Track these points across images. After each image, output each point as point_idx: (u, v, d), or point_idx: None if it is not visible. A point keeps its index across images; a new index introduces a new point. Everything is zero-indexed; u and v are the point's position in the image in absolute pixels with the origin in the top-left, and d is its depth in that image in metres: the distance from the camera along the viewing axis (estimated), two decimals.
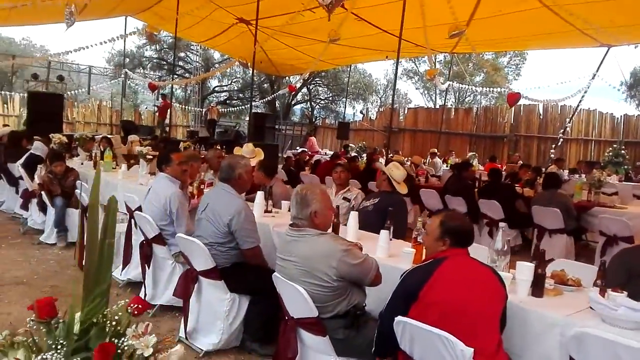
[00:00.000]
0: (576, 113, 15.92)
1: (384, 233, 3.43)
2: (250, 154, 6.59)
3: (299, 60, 18.38)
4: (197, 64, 30.71)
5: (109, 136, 11.13)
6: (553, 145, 15.97)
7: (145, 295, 4.13)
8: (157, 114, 19.16)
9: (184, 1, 12.98)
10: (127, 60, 29.60)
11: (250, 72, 29.44)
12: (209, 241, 3.51)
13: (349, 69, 23.40)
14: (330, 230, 2.91)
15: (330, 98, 30.75)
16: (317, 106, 31.40)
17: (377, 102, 30.01)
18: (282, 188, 5.35)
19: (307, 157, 13.56)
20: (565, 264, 3.56)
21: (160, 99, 17.98)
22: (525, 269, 2.73)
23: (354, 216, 3.90)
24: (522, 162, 11.50)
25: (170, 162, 4.13)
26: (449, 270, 2.43)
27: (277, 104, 30.55)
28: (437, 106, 25.93)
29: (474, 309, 2.35)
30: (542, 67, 42.76)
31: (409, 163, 12.39)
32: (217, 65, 29.55)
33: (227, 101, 32.51)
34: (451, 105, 25.86)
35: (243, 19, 14.92)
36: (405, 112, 22.49)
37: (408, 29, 12.10)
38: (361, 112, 26.06)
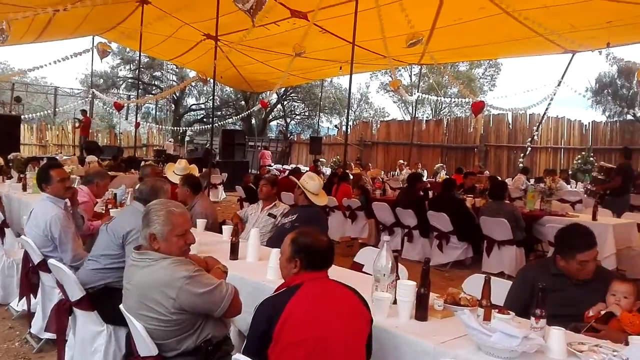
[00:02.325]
0: (544, 121, 15.86)
1: (273, 253, 3.10)
2: (182, 171, 6.23)
3: (270, 75, 18.27)
4: (174, 82, 30.47)
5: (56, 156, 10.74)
6: (522, 155, 15.85)
7: (30, 326, 3.76)
8: (80, 130, 18.59)
9: (149, 19, 12.82)
10: (102, 80, 29.37)
11: (227, 89, 29.58)
12: (96, 254, 3.22)
13: (321, 83, 23.27)
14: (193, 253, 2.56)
15: (306, 113, 30.60)
16: (293, 121, 31.22)
17: (352, 116, 29.92)
18: (204, 207, 4.99)
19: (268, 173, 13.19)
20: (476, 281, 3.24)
21: (81, 115, 17.46)
22: (405, 289, 2.42)
23: (254, 234, 3.58)
24: (465, 170, 11.27)
25: (50, 181, 3.75)
26: (304, 300, 2.08)
27: (253, 121, 30.33)
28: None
29: (340, 343, 2.05)
30: (517, 77, 43.07)
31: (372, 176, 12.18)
32: (193, 84, 29.34)
33: (204, 119, 32.24)
34: (427, 117, 25.83)
35: (210, 35, 14.73)
36: (378, 125, 22.36)
37: (372, 40, 12.03)
38: (335, 126, 25.89)
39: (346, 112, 11.86)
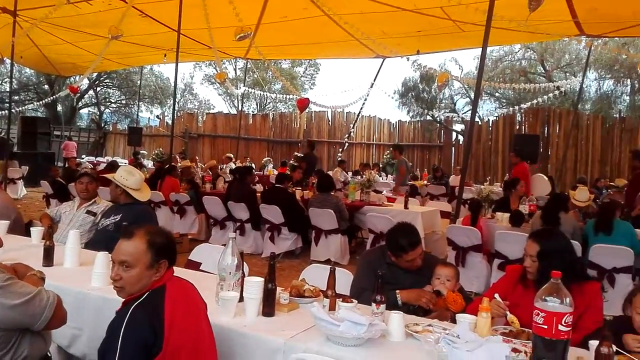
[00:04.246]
0: (359, 119, 17.23)
1: (100, 257, 2.77)
2: None
3: (80, 58, 16.43)
4: None
5: None
6: (340, 149, 17.03)
7: None
8: None
9: None
10: None
11: (26, 71, 25.81)
12: None
13: (140, 70, 21.80)
14: None
15: (123, 101, 28.39)
16: (108, 110, 28.71)
17: (176, 106, 28.67)
18: (2, 201, 4.24)
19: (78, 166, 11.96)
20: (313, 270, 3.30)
21: None
22: (253, 286, 2.35)
23: (72, 236, 3.14)
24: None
25: None
26: (177, 303, 1.96)
27: (59, 108, 27.09)
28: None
29: (208, 340, 2.01)
30: (333, 77, 46.07)
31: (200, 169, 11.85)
32: None
33: None
34: (253, 111, 26.04)
35: (7, 8, 12.62)
36: (204, 117, 21.84)
37: (198, 30, 11.60)
38: (157, 116, 24.54)
39: (172, 102, 11.32)
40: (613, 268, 4.94)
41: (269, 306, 2.37)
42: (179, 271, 2.99)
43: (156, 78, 27.58)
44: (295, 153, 14.48)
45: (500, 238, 5.38)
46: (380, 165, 15.36)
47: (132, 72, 24.97)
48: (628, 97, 19.69)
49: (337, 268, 2.73)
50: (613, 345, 1.84)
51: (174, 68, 9.93)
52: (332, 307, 2.37)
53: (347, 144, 17.23)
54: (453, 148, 17.23)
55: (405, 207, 7.05)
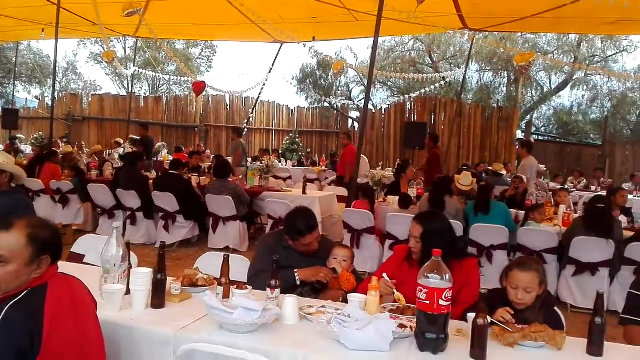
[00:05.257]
0: (257, 104, 17.08)
1: None
2: None
3: None
4: None
5: None
6: None
7: None
8: None
9: None
10: None
11: None
12: None
13: (16, 46, 19.72)
14: None
15: None
16: None
17: (57, 87, 26.33)
18: None
19: None
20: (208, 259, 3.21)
21: None
22: (140, 277, 2.24)
23: None
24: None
25: None
26: (61, 302, 1.79)
27: None
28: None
29: (97, 338, 1.86)
30: (231, 60, 45.07)
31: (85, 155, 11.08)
32: None
33: None
34: (145, 93, 24.71)
35: None
36: (89, 99, 20.31)
37: (79, 4, 10.69)
38: (36, 97, 22.41)
39: (51, 81, 10.36)
40: (491, 245, 5.41)
41: (158, 297, 2.28)
42: (59, 265, 2.80)
43: (34, 55, 25.17)
44: (130, 135, 14.07)
45: (391, 220, 5.65)
46: (280, 151, 15.39)
47: (6, 48, 22.60)
48: (505, 88, 21.50)
49: (233, 255, 2.70)
50: (488, 317, 2.00)
51: (54, 44, 9.07)
52: (225, 295, 2.33)
53: (246, 129, 17.01)
54: None
55: (304, 192, 7.13)
